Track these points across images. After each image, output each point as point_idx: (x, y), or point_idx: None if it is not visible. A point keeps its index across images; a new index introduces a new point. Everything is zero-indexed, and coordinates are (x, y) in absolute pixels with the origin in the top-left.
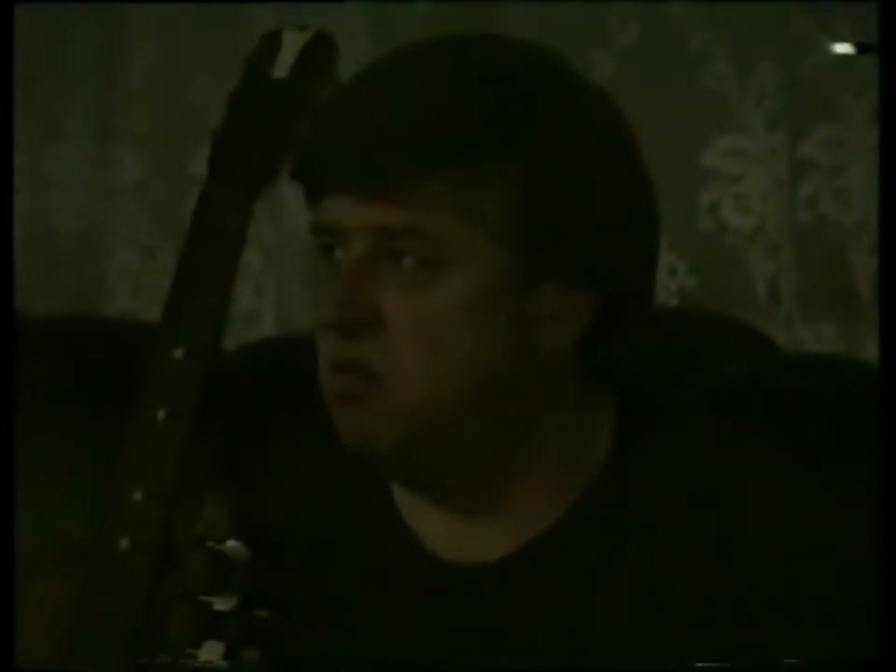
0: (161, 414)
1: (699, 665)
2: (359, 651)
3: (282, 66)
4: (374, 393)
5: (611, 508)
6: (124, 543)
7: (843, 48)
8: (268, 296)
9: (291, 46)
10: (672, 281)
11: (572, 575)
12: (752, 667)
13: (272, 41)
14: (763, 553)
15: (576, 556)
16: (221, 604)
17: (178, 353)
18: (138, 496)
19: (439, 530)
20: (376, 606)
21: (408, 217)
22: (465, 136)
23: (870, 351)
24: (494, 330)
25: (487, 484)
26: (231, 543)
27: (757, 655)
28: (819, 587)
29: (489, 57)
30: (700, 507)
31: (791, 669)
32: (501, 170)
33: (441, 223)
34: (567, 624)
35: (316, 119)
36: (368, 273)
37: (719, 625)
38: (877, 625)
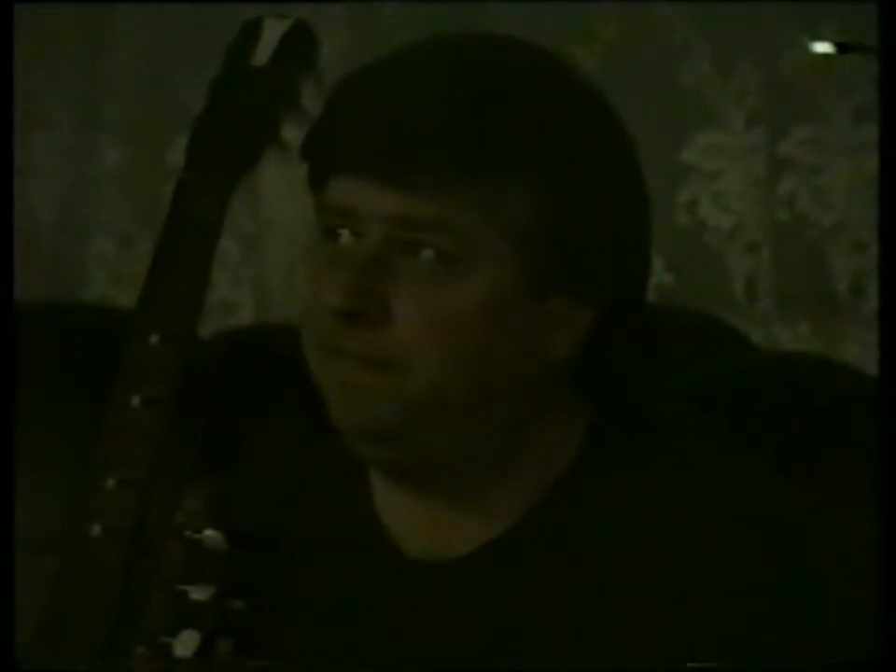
0: (135, 401)
1: (690, 665)
2: (330, 645)
3: (262, 54)
4: (378, 380)
5: (573, 507)
6: (96, 530)
7: (824, 47)
8: (245, 285)
9: (272, 34)
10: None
11: (530, 574)
12: (742, 668)
13: (252, 29)
14: (731, 552)
15: (533, 555)
16: (198, 594)
17: (154, 340)
18: (111, 482)
19: (411, 526)
20: (346, 600)
21: (436, 210)
22: (498, 142)
23: (846, 350)
24: (502, 334)
25: (471, 478)
26: (208, 533)
27: (718, 656)
28: (789, 588)
29: (519, 62)
30: (665, 506)
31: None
32: (529, 178)
33: (469, 220)
34: (526, 624)
35: (335, 95)
36: (381, 263)
37: (685, 625)
38: (875, 625)
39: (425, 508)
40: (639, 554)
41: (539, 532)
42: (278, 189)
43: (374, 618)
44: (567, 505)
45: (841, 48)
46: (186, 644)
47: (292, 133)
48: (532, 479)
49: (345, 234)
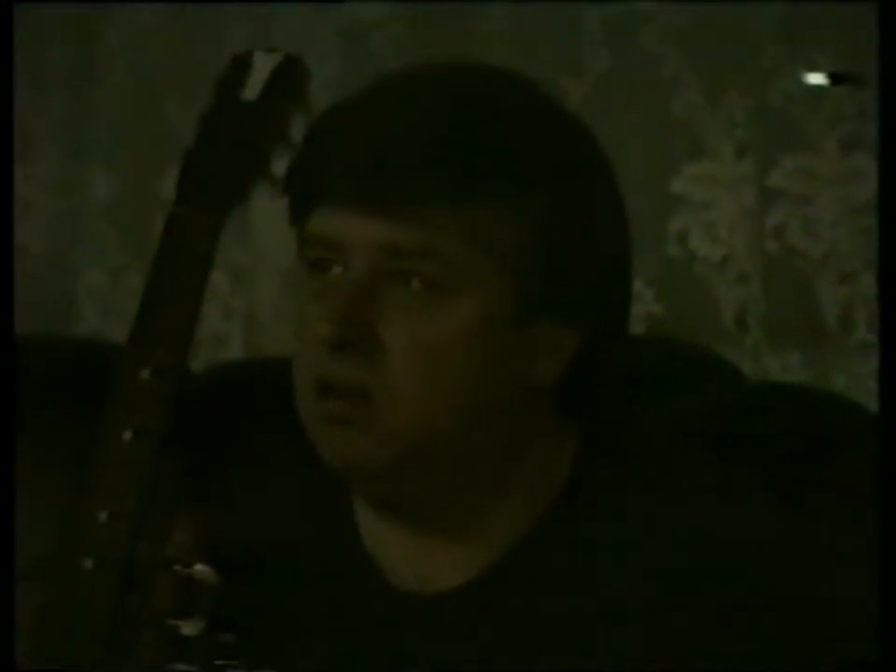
0: (127, 435)
1: None
2: None
3: (252, 89)
4: (365, 414)
5: (564, 537)
6: (88, 563)
7: (816, 78)
8: (236, 318)
9: (262, 68)
10: (639, 308)
11: (524, 603)
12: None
13: (242, 63)
14: (723, 576)
15: (526, 585)
16: (189, 628)
17: (145, 373)
18: (103, 516)
19: (399, 557)
20: (335, 632)
21: (422, 238)
22: (482, 170)
23: (836, 380)
24: (490, 361)
25: (459, 510)
26: (199, 567)
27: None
28: (782, 611)
29: (500, 90)
30: (657, 532)
31: None
32: (516, 204)
33: (455, 247)
34: (520, 653)
35: (316, 127)
36: (369, 293)
37: (680, 645)
38: (876, 628)
39: (412, 540)
40: (632, 580)
41: (531, 561)
42: (269, 221)
43: (363, 649)
44: (559, 533)
45: (835, 79)
46: None
47: (283, 167)
48: (521, 506)
49: (332, 266)
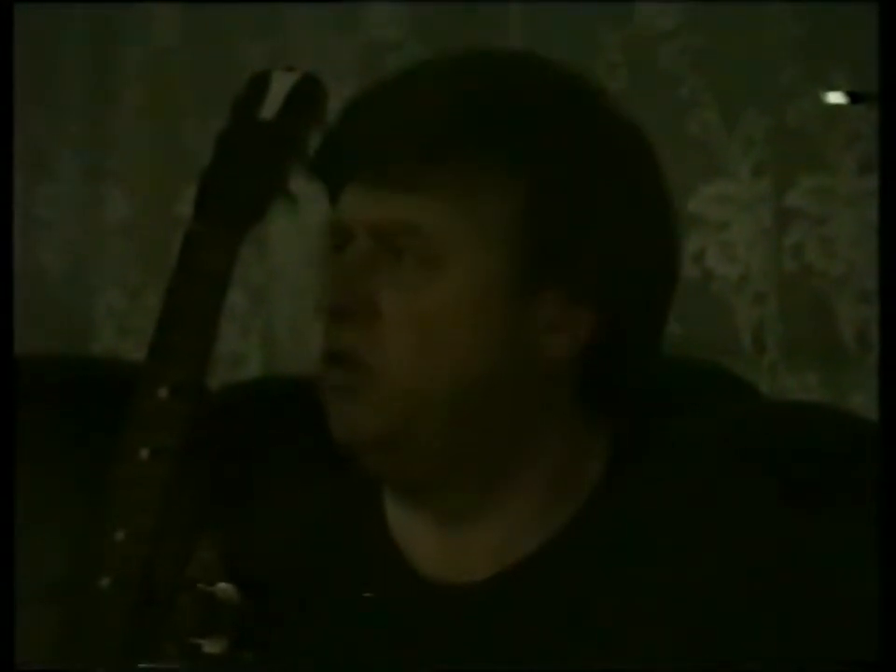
0: (144, 453)
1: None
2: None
3: (270, 108)
4: (362, 384)
5: (599, 534)
6: (105, 582)
7: (836, 97)
8: (254, 337)
9: (279, 87)
10: None
11: (556, 599)
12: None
13: (260, 82)
14: (749, 581)
15: (561, 580)
16: (211, 646)
17: (163, 392)
18: (120, 535)
19: (428, 548)
20: (368, 635)
21: (407, 214)
22: (468, 135)
23: (854, 400)
24: (487, 333)
25: (476, 493)
26: (222, 586)
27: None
28: (805, 616)
29: (505, 68)
30: (688, 538)
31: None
32: (503, 175)
33: (440, 221)
34: (551, 646)
35: (336, 117)
36: (367, 267)
37: (706, 650)
38: (878, 627)
39: (439, 530)
40: (664, 580)
41: (563, 557)
42: (286, 240)
43: (397, 643)
44: (592, 530)
45: (853, 98)
46: None
47: (300, 185)
48: (552, 498)
49: (345, 249)
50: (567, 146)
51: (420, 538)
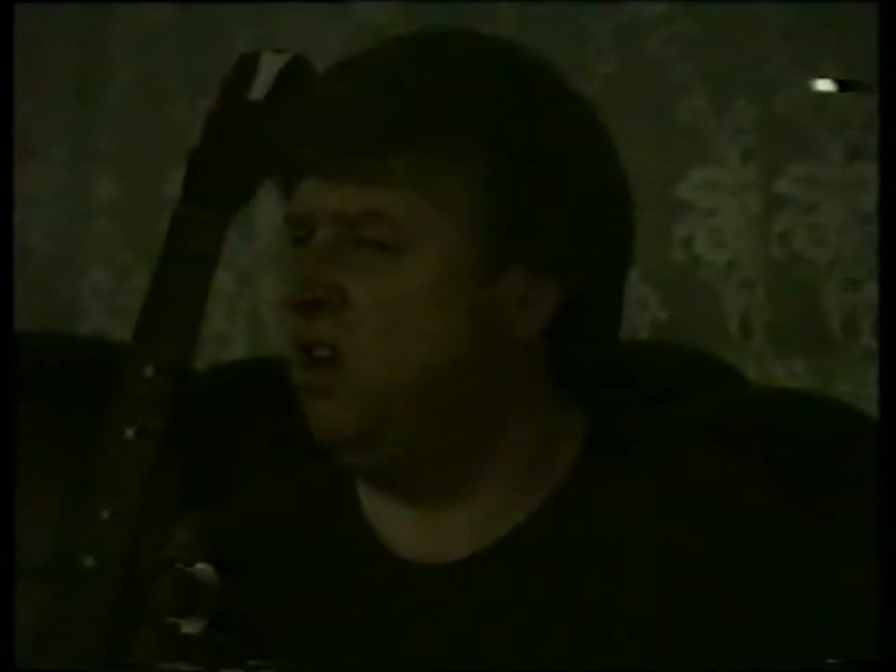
0: (129, 433)
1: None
2: (330, 660)
3: (259, 88)
4: (338, 380)
5: (573, 516)
6: (89, 561)
7: (825, 84)
8: (240, 318)
9: (269, 68)
10: (644, 313)
11: (530, 580)
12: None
13: (249, 63)
14: (726, 567)
15: (535, 562)
16: (189, 627)
17: (148, 371)
18: (105, 514)
19: (404, 533)
20: (345, 616)
21: (368, 202)
22: (423, 117)
23: (840, 387)
24: (458, 316)
25: (452, 477)
26: (200, 566)
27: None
28: (780, 603)
29: (461, 48)
30: (663, 522)
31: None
32: (462, 153)
33: (401, 206)
34: (527, 626)
35: (290, 111)
36: (332, 257)
37: (678, 636)
38: (878, 627)
39: (414, 513)
40: (639, 564)
41: (536, 539)
42: (273, 221)
43: (374, 623)
44: (566, 513)
45: (842, 86)
46: None
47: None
48: (526, 484)
49: (307, 240)
50: (522, 119)
51: (394, 520)
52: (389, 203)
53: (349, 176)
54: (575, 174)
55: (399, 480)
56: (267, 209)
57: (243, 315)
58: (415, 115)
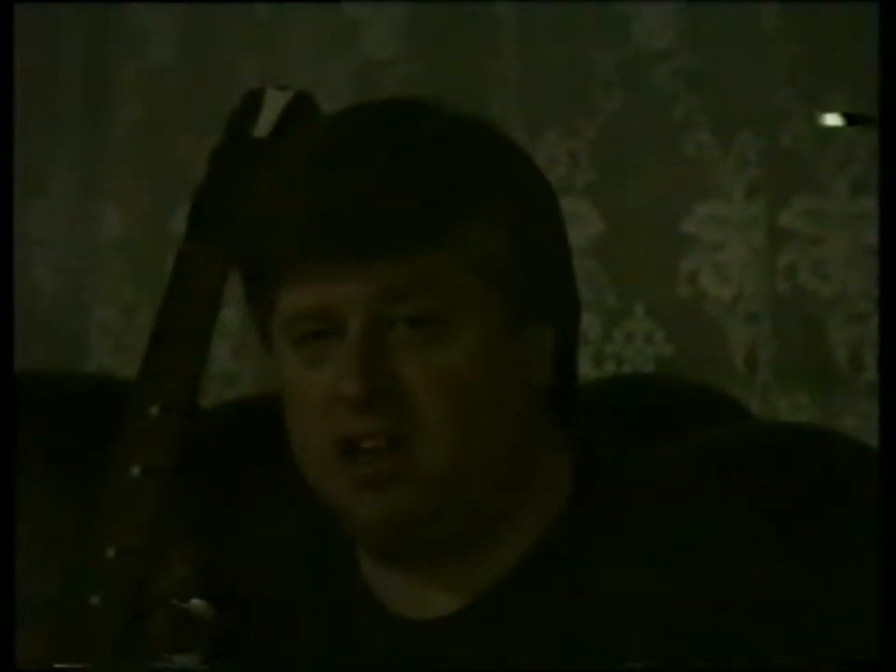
0: (135, 471)
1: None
2: None
3: (263, 126)
4: (403, 466)
5: (562, 555)
6: (95, 600)
7: (833, 119)
8: (247, 356)
9: (273, 105)
10: (649, 348)
11: (524, 624)
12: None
13: (254, 100)
14: (720, 611)
15: (526, 607)
16: (185, 662)
17: (154, 410)
18: (111, 552)
19: (398, 590)
20: (337, 662)
21: (412, 274)
22: (455, 198)
23: (845, 421)
24: (502, 374)
25: (465, 556)
26: (195, 602)
27: None
28: (776, 646)
29: (448, 125)
30: (650, 565)
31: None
32: (491, 221)
33: (444, 276)
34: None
35: (264, 201)
36: (378, 342)
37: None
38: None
39: (413, 582)
40: (631, 609)
41: (529, 583)
42: None
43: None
44: (558, 554)
45: (848, 120)
46: None
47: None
48: (522, 531)
49: (325, 334)
50: (525, 189)
51: (392, 585)
52: (430, 273)
53: (390, 250)
54: (555, 229)
55: (414, 562)
56: None
57: (249, 352)
58: (445, 196)
